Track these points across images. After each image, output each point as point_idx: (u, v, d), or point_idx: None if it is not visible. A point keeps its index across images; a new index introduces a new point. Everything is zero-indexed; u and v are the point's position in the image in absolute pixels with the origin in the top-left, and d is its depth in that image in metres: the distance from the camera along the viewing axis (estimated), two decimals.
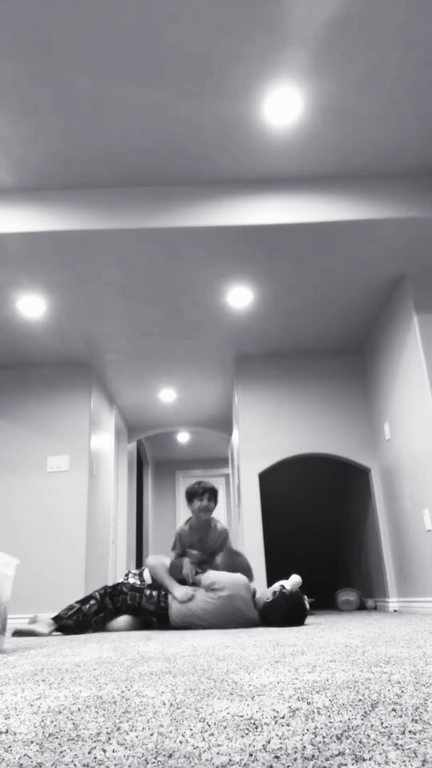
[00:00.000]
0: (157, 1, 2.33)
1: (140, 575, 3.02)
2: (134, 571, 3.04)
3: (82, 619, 2.78)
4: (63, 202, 3.33)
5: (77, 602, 2.84)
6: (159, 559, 3.01)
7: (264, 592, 2.80)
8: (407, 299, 3.75)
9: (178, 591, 2.81)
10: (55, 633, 2.79)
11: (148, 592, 2.85)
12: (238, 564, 2.96)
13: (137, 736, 0.58)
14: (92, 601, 2.83)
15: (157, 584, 2.91)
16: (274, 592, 2.71)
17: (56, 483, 4.58)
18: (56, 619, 2.77)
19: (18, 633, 2.69)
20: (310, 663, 1.11)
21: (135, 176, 3.30)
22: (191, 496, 3.18)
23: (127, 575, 3.04)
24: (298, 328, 4.55)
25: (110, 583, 5.34)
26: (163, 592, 2.83)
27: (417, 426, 3.63)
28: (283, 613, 2.65)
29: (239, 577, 2.75)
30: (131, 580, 2.99)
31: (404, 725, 0.58)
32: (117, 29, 2.44)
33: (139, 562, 7.49)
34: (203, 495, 3.13)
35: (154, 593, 2.83)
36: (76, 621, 2.76)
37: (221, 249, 3.50)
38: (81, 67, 2.60)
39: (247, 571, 2.95)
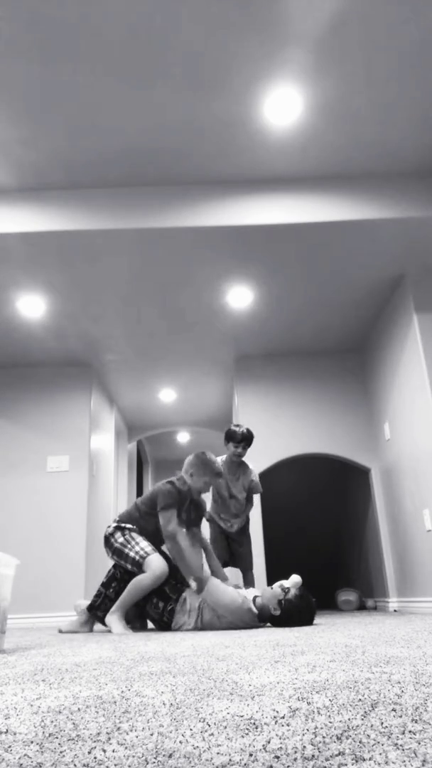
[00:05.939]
0: (158, 1, 2.33)
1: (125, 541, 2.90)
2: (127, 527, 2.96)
3: (109, 604, 2.85)
4: (63, 202, 3.33)
5: (102, 586, 2.91)
6: (183, 541, 2.93)
7: (266, 597, 2.57)
8: (407, 299, 3.75)
9: (192, 579, 2.70)
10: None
11: (155, 599, 2.73)
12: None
13: (137, 736, 0.58)
14: (114, 583, 2.89)
15: (165, 595, 2.73)
16: (281, 602, 2.50)
17: (56, 483, 4.58)
18: (90, 608, 2.87)
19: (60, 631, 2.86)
20: (310, 663, 1.11)
21: (135, 176, 3.30)
22: (229, 438, 3.45)
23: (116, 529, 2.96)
24: (298, 328, 4.54)
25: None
26: (169, 607, 2.67)
27: (417, 426, 3.63)
28: (308, 613, 2.54)
29: (239, 607, 2.52)
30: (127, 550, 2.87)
31: (404, 725, 0.58)
32: (117, 29, 2.44)
33: None
34: (240, 443, 3.42)
35: (161, 603, 2.69)
36: (104, 609, 2.85)
37: (221, 249, 3.50)
38: (81, 67, 2.60)
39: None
